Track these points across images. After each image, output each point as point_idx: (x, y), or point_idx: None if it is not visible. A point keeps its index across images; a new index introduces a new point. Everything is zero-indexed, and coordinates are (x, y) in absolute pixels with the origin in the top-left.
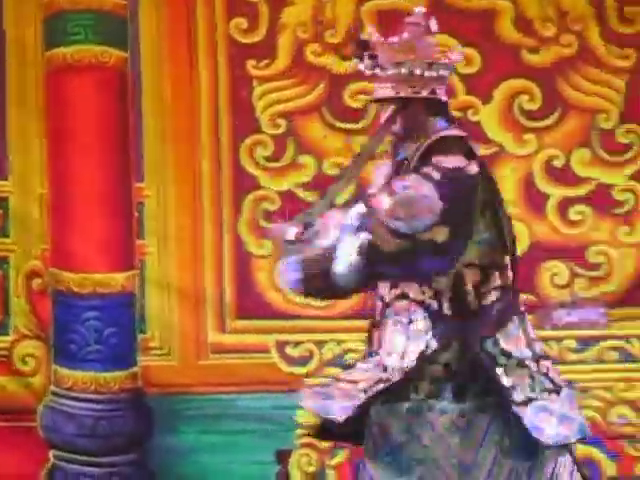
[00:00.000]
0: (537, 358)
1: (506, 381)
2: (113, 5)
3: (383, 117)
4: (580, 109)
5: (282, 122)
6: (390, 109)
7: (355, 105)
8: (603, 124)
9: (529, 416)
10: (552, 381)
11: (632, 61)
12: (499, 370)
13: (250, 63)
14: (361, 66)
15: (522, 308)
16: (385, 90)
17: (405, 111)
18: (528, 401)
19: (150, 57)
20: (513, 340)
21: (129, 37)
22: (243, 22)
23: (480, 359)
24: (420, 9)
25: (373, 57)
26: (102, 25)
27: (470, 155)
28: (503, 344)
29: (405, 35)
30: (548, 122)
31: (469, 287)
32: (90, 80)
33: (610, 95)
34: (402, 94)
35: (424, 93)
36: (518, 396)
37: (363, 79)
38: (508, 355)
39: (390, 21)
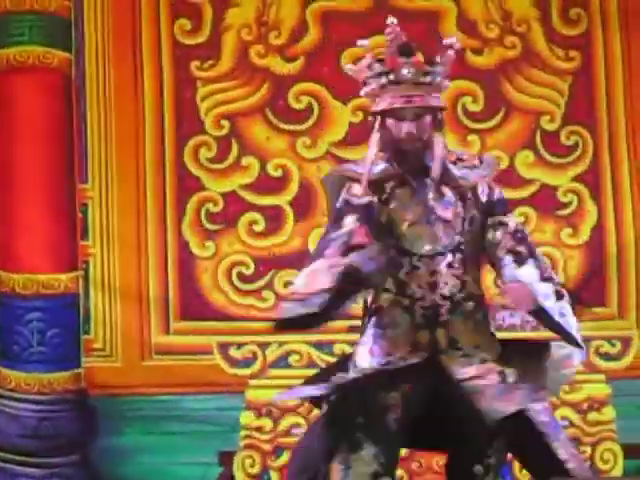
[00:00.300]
0: None
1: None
2: (57, 6)
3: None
4: (524, 111)
5: (226, 123)
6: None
7: (299, 106)
8: (547, 126)
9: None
10: None
11: (576, 63)
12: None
13: (194, 64)
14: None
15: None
16: (431, 99)
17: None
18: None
19: (94, 58)
20: None
21: (73, 38)
22: (187, 23)
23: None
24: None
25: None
26: (46, 26)
27: None
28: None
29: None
30: (492, 124)
31: None
32: (33, 81)
33: (554, 97)
34: (434, 103)
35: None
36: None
37: (307, 80)
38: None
39: (335, 23)
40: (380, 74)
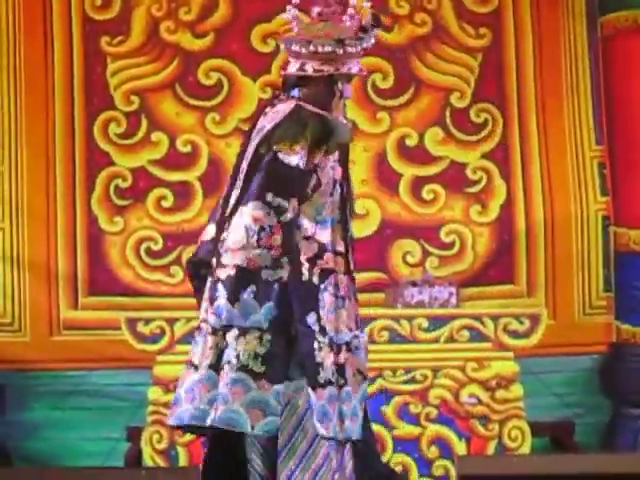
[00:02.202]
0: (341, 345)
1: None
2: None
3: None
4: (434, 88)
5: (135, 99)
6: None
7: (208, 83)
8: (457, 103)
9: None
10: (342, 375)
11: (486, 40)
12: (316, 345)
13: (104, 40)
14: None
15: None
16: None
17: None
18: (326, 384)
19: (5, 33)
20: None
21: None
22: None
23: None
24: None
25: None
26: None
27: None
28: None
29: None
30: (401, 100)
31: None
32: None
33: (464, 74)
34: None
35: None
36: (323, 375)
37: (216, 57)
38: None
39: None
40: (362, 39)
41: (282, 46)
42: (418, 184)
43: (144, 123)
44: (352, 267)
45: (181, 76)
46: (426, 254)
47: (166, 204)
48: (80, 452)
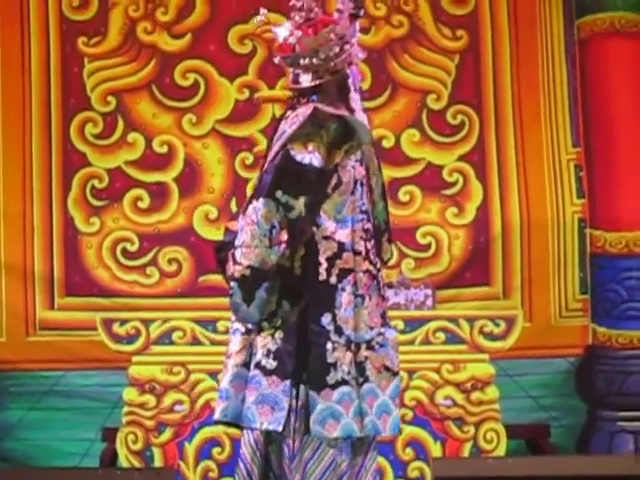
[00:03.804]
0: (360, 344)
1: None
2: None
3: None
4: (410, 89)
5: (112, 99)
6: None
7: (185, 84)
8: (433, 105)
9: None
10: (362, 373)
11: (463, 42)
12: (329, 346)
13: (81, 40)
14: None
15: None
16: None
17: None
18: (337, 384)
19: None
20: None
21: None
22: None
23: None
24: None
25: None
26: None
27: None
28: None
29: None
30: (378, 102)
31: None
32: None
33: (441, 76)
34: None
35: None
36: (334, 376)
37: (193, 57)
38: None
39: (221, 0)
40: (356, 25)
41: (277, 59)
42: (394, 186)
43: (120, 124)
44: (376, 265)
45: (158, 77)
46: (402, 256)
47: (142, 205)
48: (56, 452)
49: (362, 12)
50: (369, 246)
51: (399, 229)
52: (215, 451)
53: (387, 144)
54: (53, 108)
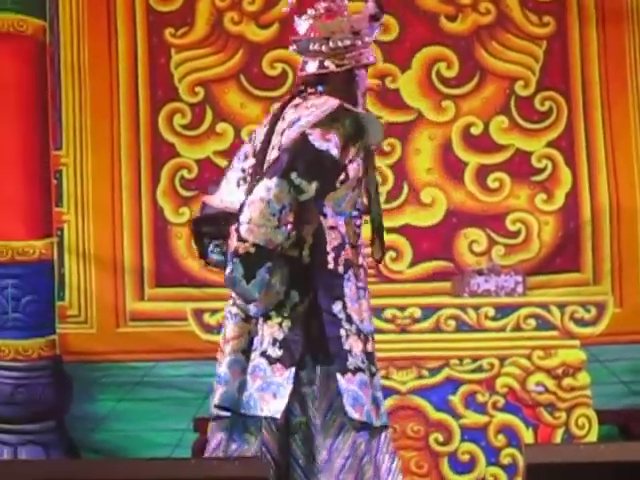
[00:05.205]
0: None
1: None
2: None
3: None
4: (498, 76)
5: (200, 90)
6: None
7: (273, 73)
8: (521, 91)
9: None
10: (373, 362)
11: (550, 28)
12: (342, 332)
13: (168, 31)
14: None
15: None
16: None
17: None
18: (356, 370)
19: (69, 25)
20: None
21: (47, 5)
22: None
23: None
24: None
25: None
26: None
27: None
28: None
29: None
30: (466, 89)
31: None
32: (8, 48)
33: (528, 62)
34: None
35: None
36: (352, 362)
37: (281, 47)
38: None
39: None
40: (374, 28)
41: (292, 47)
42: (483, 172)
43: (209, 114)
44: (362, 261)
45: (245, 67)
46: (492, 243)
47: None
48: (147, 443)
49: (382, 17)
50: (359, 242)
51: (488, 216)
52: None
53: (475, 131)
54: (141, 100)
